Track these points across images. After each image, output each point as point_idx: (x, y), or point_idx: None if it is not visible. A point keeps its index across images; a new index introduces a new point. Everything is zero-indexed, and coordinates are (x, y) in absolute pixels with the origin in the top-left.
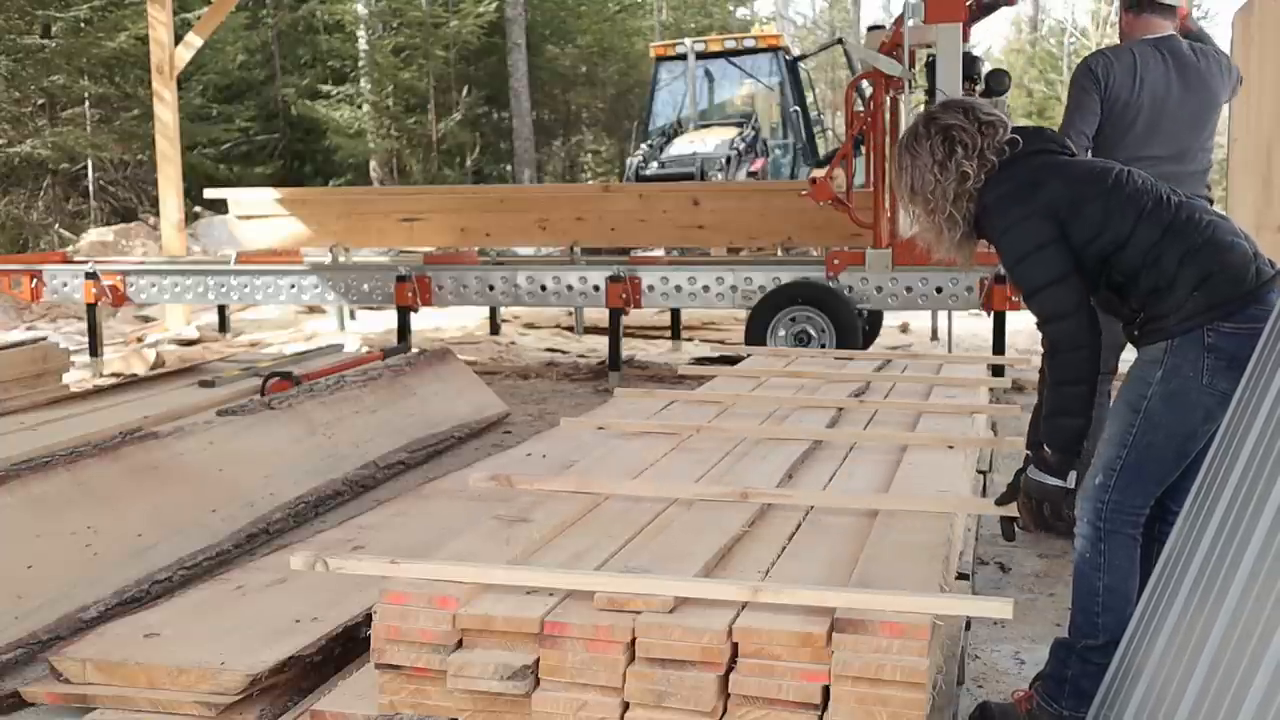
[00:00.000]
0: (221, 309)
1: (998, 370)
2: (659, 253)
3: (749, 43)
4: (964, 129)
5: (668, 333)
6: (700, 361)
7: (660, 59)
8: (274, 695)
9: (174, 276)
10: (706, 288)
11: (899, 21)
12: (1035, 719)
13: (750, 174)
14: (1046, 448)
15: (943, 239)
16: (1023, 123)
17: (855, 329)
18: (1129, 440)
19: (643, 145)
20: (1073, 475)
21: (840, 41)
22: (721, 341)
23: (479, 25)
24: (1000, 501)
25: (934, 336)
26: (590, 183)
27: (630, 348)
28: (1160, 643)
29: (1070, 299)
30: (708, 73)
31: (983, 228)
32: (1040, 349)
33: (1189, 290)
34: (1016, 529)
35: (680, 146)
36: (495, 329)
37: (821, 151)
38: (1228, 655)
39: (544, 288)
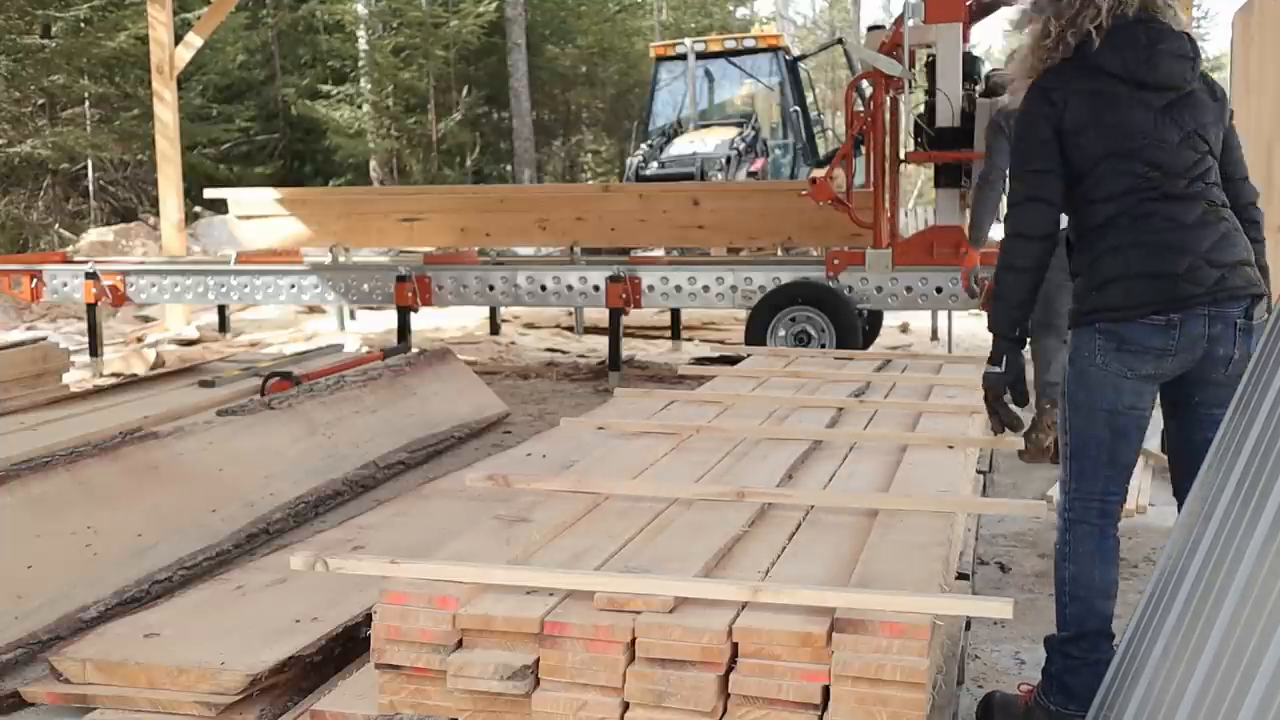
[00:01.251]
0: (221, 309)
1: None
2: (659, 253)
3: (749, 43)
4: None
5: (668, 333)
6: (700, 361)
7: (660, 59)
8: (274, 695)
9: (174, 276)
10: (706, 288)
11: (899, 22)
12: (1031, 714)
13: (750, 174)
14: (993, 330)
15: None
16: None
17: (855, 329)
18: (1067, 427)
19: (643, 145)
20: (1012, 361)
21: (840, 41)
22: (721, 341)
23: (479, 25)
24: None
25: (934, 336)
26: (590, 183)
27: (630, 348)
28: (1160, 643)
29: (1048, 188)
30: (708, 73)
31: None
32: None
33: (1092, 286)
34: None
35: (680, 146)
36: (495, 329)
37: (821, 151)
38: (1228, 656)
39: (544, 288)
